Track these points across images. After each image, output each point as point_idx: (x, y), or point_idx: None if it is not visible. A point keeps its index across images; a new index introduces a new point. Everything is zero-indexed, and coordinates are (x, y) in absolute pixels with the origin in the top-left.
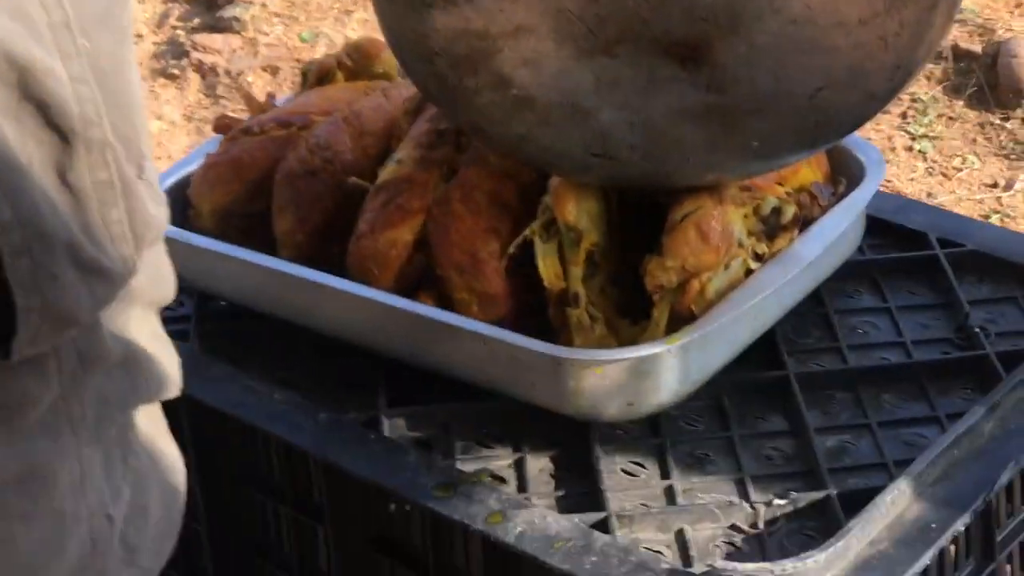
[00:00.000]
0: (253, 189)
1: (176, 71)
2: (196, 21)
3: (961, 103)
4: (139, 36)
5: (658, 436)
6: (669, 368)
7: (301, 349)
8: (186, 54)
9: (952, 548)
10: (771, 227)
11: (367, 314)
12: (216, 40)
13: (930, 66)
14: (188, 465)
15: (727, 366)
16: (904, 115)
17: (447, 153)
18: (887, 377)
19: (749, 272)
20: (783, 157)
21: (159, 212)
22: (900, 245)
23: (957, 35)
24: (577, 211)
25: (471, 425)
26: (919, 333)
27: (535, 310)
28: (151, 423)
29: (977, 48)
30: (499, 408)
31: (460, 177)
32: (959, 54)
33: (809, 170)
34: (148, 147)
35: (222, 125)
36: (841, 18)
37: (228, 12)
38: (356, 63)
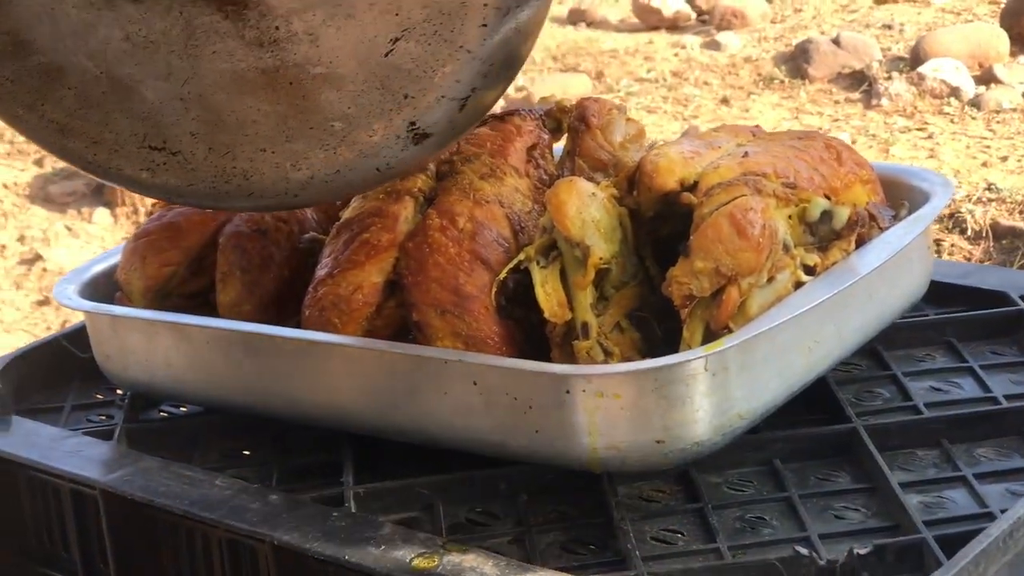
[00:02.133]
0: (194, 260)
1: None
2: None
3: None
4: None
5: (697, 501)
6: (707, 388)
7: (247, 435)
8: None
9: None
10: (822, 236)
11: (323, 367)
12: None
13: (968, 246)
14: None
15: (775, 418)
16: None
17: (422, 181)
18: (979, 428)
19: (799, 288)
20: (377, 149)
21: None
22: (976, 306)
23: (995, 213)
24: (581, 222)
25: (459, 500)
26: (1010, 389)
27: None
28: None
29: (1020, 224)
30: (494, 477)
31: (439, 204)
32: (1000, 232)
33: (863, 190)
34: None
35: None
36: None
37: None
38: None
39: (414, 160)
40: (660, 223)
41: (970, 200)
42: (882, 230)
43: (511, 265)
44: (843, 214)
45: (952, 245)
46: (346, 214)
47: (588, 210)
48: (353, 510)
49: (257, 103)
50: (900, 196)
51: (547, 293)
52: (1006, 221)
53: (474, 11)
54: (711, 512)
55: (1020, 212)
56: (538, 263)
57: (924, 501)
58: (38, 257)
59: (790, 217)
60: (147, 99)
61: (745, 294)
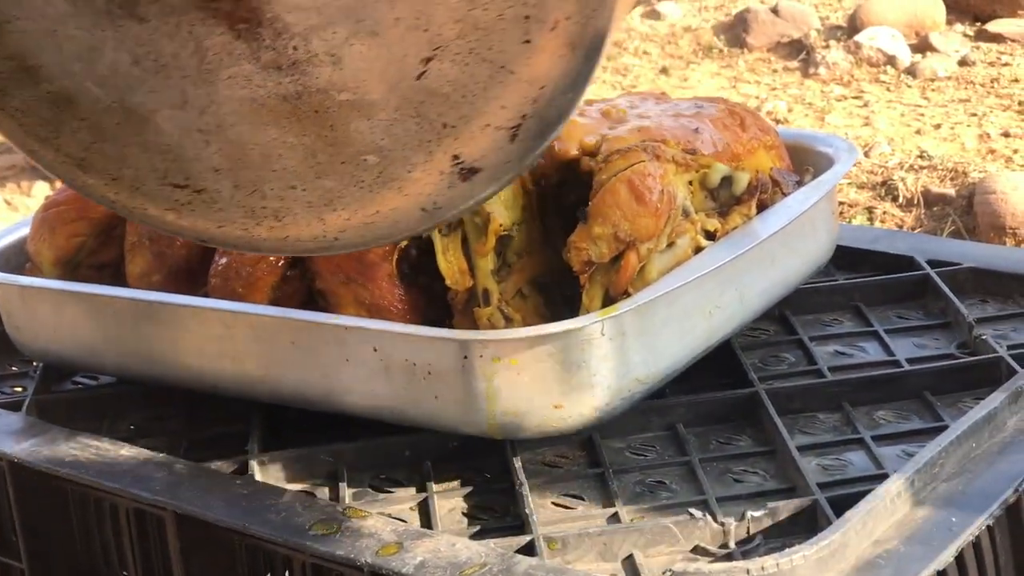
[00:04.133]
0: (103, 230)
1: None
2: None
3: None
4: None
5: (598, 467)
6: (604, 353)
7: (158, 405)
8: None
9: (973, 547)
10: (723, 202)
11: (228, 335)
12: None
13: (900, 213)
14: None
15: (677, 382)
16: None
17: None
18: (880, 391)
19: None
20: (418, 186)
21: None
22: (883, 271)
23: (927, 180)
24: None
25: (364, 467)
26: (912, 352)
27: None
28: None
29: (951, 191)
30: (398, 444)
31: None
32: (931, 199)
33: (767, 156)
34: None
35: None
36: None
37: None
38: None
39: (465, 199)
40: (564, 190)
41: (902, 168)
42: (785, 195)
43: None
44: (743, 179)
45: (884, 212)
46: None
47: None
48: (257, 478)
49: (281, 135)
50: (806, 162)
51: (448, 260)
52: (937, 188)
53: (514, 25)
54: (612, 477)
55: (951, 180)
56: (440, 231)
57: (822, 464)
58: None
59: (690, 183)
60: (163, 131)
61: (644, 259)
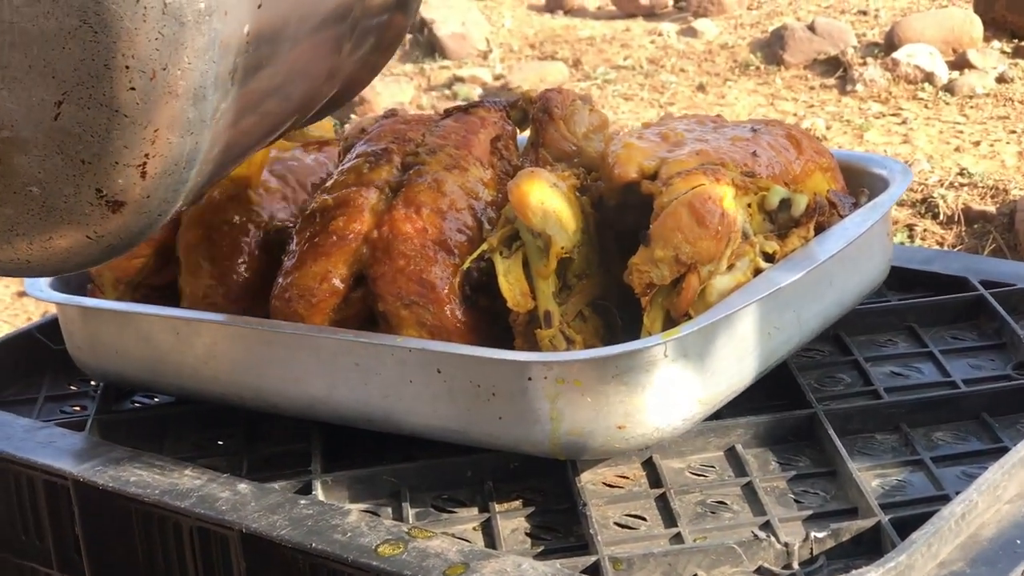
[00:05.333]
0: (163, 251)
1: None
2: None
3: None
4: None
5: (659, 487)
6: (666, 374)
7: (216, 425)
8: None
9: None
10: (781, 224)
11: (290, 357)
12: None
13: (940, 230)
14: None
15: (735, 403)
16: None
17: (387, 172)
18: (938, 412)
19: (758, 274)
20: (75, 216)
21: None
22: (937, 291)
23: (967, 198)
24: (543, 212)
25: (426, 487)
26: (968, 374)
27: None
28: None
29: (991, 208)
30: (460, 465)
31: (404, 194)
32: (972, 216)
33: (823, 178)
34: None
35: None
36: None
37: None
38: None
39: (121, 229)
40: (623, 213)
41: (942, 185)
42: (842, 217)
43: (475, 255)
44: (802, 202)
45: (924, 230)
46: (313, 205)
47: (550, 201)
48: (320, 498)
49: None
50: (861, 183)
51: (510, 283)
52: (977, 206)
53: (118, 74)
54: (673, 497)
55: (991, 197)
56: (501, 253)
57: (882, 484)
58: None
59: (749, 205)
60: None
61: (705, 282)
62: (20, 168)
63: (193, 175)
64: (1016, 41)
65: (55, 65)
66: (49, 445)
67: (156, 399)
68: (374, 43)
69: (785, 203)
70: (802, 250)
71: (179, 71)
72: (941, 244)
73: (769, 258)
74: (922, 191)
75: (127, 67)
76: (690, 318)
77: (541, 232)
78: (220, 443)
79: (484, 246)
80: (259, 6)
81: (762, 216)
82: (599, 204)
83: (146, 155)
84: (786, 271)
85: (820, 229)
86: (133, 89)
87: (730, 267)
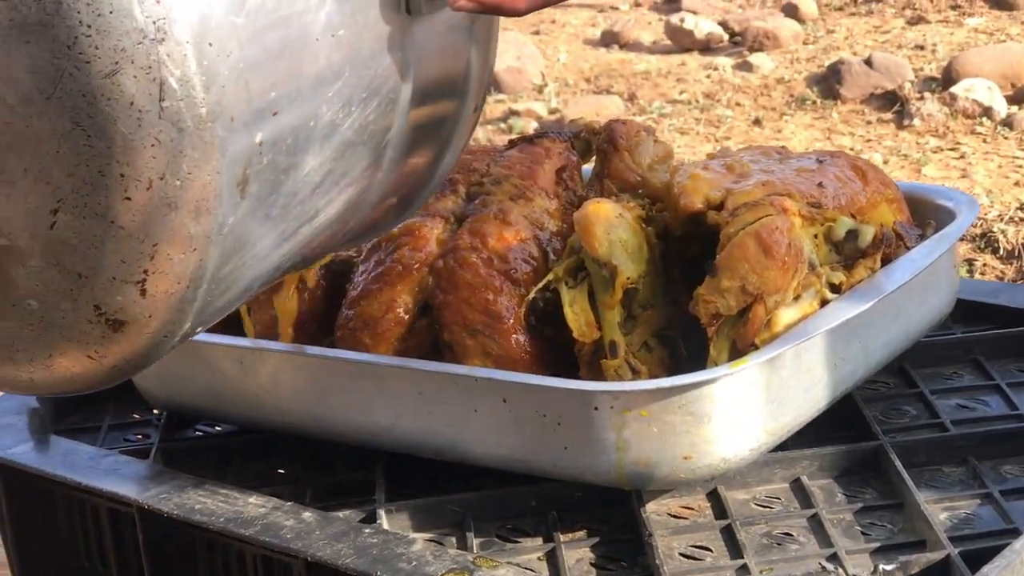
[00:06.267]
0: None
1: None
2: None
3: None
4: None
5: (725, 518)
6: (732, 405)
7: (278, 454)
8: None
9: None
10: (847, 255)
11: (355, 386)
12: None
13: (1001, 265)
14: None
15: (800, 435)
16: None
17: (452, 202)
18: (1006, 445)
19: (825, 305)
20: (74, 333)
21: None
22: (1004, 324)
23: None
24: (608, 242)
25: (490, 517)
26: None
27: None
28: None
29: None
30: (524, 494)
31: (469, 224)
32: None
33: (889, 209)
34: None
35: None
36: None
37: None
38: None
39: (125, 350)
40: (688, 243)
41: (1002, 220)
42: (908, 249)
43: (540, 285)
44: (868, 233)
45: (984, 264)
46: None
47: (615, 231)
48: (385, 527)
49: None
50: (926, 215)
51: (575, 313)
52: None
53: (113, 182)
54: (739, 528)
55: None
56: (567, 283)
57: (950, 517)
58: None
59: (816, 236)
60: None
61: (771, 312)
62: (18, 280)
63: (201, 294)
64: None
65: (50, 170)
66: (113, 472)
67: (218, 428)
68: (428, 145)
69: (852, 234)
70: (869, 281)
71: (178, 181)
72: (1002, 278)
73: (836, 289)
74: (982, 226)
75: (122, 175)
76: (756, 348)
77: (606, 262)
78: (282, 472)
79: (550, 276)
80: (275, 113)
81: (828, 247)
82: (664, 234)
83: (145, 271)
84: (853, 302)
85: (887, 260)
86: (128, 199)
87: (796, 298)
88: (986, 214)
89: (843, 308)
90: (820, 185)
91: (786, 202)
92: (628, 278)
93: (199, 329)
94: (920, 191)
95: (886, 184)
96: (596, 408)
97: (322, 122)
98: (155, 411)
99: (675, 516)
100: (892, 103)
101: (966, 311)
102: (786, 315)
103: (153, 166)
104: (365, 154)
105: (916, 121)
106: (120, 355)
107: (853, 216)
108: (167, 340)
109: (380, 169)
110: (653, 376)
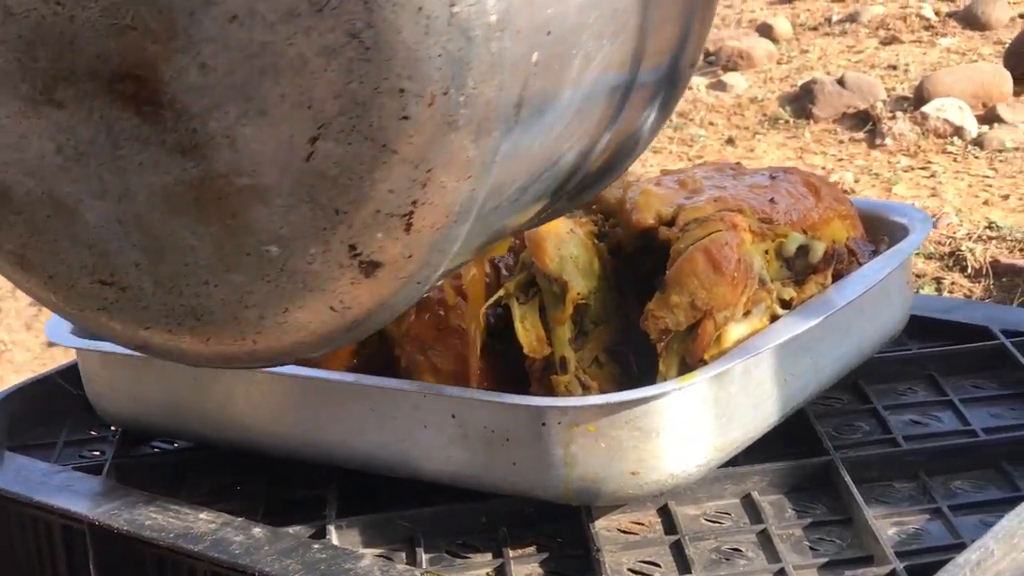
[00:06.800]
0: None
1: None
2: None
3: None
4: None
5: (674, 533)
6: (680, 420)
7: (235, 470)
8: None
9: None
10: (799, 271)
11: (306, 402)
12: None
13: (969, 283)
14: None
15: (752, 450)
16: None
17: None
18: (957, 461)
19: (775, 321)
20: (320, 281)
21: None
22: (958, 340)
23: (996, 251)
24: (559, 258)
25: (440, 532)
26: (988, 422)
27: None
28: None
29: (1020, 262)
30: (474, 510)
31: None
32: (1000, 270)
33: (842, 226)
34: None
35: None
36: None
37: None
38: None
39: (372, 299)
40: (641, 259)
41: (970, 238)
42: (861, 264)
43: (491, 301)
44: (819, 249)
45: (953, 283)
46: None
47: (566, 246)
48: (335, 542)
49: (192, 224)
50: (881, 231)
51: (526, 328)
52: (1006, 259)
53: (390, 100)
54: (688, 543)
55: (1020, 250)
56: (518, 299)
57: (899, 532)
58: None
59: (767, 252)
60: (88, 222)
61: (720, 328)
62: (258, 223)
63: (464, 233)
64: None
65: (313, 93)
66: (66, 489)
67: (176, 444)
68: (662, 97)
69: (803, 250)
70: (819, 297)
71: (462, 97)
72: (969, 297)
73: (786, 305)
74: (950, 244)
75: (401, 91)
76: (706, 364)
77: (557, 278)
78: (238, 488)
79: (501, 292)
80: (548, 32)
81: (780, 263)
82: (617, 250)
83: (414, 202)
84: (802, 318)
85: (839, 276)
86: (406, 119)
87: (746, 313)
88: (955, 233)
89: (792, 324)
90: (772, 201)
91: (736, 218)
92: (579, 294)
93: (439, 282)
94: (875, 207)
95: (839, 200)
96: (544, 423)
97: (581, 52)
98: (112, 428)
99: (625, 531)
100: (864, 122)
101: (921, 327)
102: (736, 331)
103: (438, 79)
104: (603, 100)
105: (888, 140)
106: (366, 306)
107: (805, 232)
108: (419, 288)
109: (612, 120)
110: (604, 392)
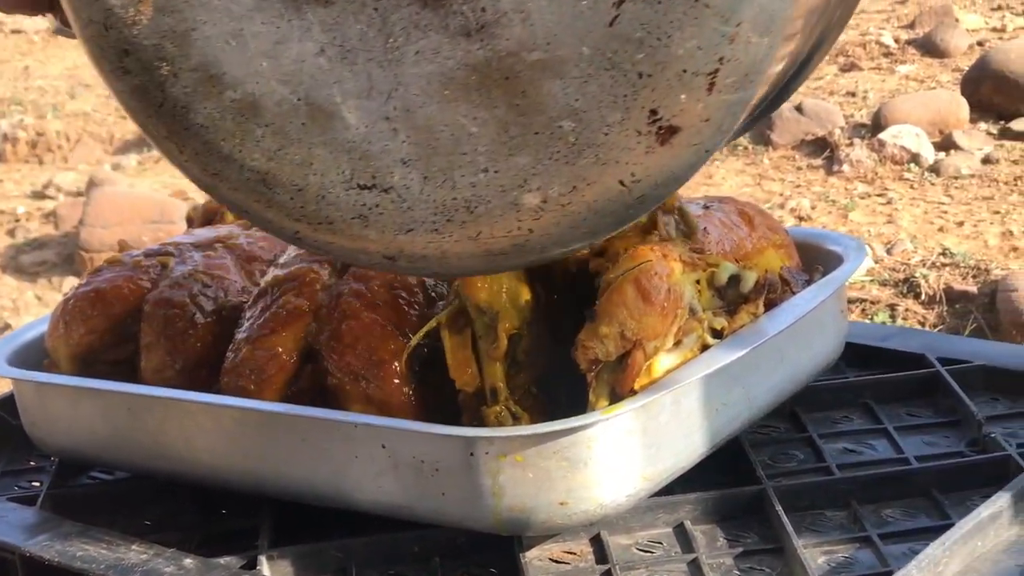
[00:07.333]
0: (119, 327)
1: None
2: None
3: None
4: None
5: (605, 563)
6: (609, 451)
7: (173, 500)
8: None
9: None
10: (730, 300)
11: (238, 432)
12: None
13: (922, 310)
14: None
15: (687, 479)
16: None
17: None
18: (889, 489)
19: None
20: (615, 152)
21: None
22: (894, 368)
23: (949, 277)
24: (490, 290)
25: (373, 562)
26: (922, 450)
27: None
28: None
29: (973, 289)
30: (407, 540)
31: (355, 270)
32: (953, 296)
33: (776, 255)
34: None
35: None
36: None
37: None
38: None
39: (662, 170)
40: (573, 290)
41: (924, 265)
42: (794, 294)
43: (423, 331)
44: (751, 278)
45: (907, 310)
46: (265, 280)
47: (497, 278)
48: (266, 573)
49: (472, 110)
50: (817, 260)
51: (457, 359)
52: (959, 286)
53: None
54: (619, 573)
55: (973, 277)
56: (450, 329)
57: (828, 561)
58: (7, 327)
59: (698, 281)
60: (350, 125)
61: (651, 358)
62: (550, 99)
63: (755, 96)
64: (1002, 123)
65: None
66: None
67: (114, 474)
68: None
69: (734, 279)
70: (751, 326)
71: None
72: (923, 323)
73: (718, 334)
74: (905, 271)
75: None
76: (635, 394)
77: (488, 309)
78: (176, 518)
79: (432, 322)
80: None
81: (711, 292)
82: (547, 280)
83: (720, 59)
84: (732, 347)
85: (772, 306)
86: None
87: (677, 343)
88: (909, 259)
89: (722, 353)
90: (704, 231)
91: (667, 248)
92: (509, 324)
93: (732, 139)
94: (810, 236)
95: (773, 229)
96: (472, 454)
97: None
98: (49, 458)
99: (556, 561)
100: (822, 149)
101: (859, 355)
102: (666, 361)
103: None
104: (817, 25)
105: (845, 167)
106: (655, 178)
107: (738, 261)
108: (707, 156)
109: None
110: (535, 423)
